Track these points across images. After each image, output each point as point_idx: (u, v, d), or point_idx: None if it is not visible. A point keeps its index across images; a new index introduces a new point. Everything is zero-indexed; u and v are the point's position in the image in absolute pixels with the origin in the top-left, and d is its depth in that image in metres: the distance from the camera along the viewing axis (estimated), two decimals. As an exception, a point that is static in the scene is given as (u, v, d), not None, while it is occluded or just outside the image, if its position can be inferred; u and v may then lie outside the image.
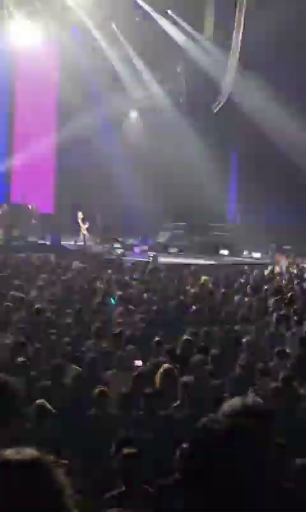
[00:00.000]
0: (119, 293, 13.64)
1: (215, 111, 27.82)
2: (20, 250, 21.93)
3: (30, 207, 27.06)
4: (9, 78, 29.34)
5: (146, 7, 26.69)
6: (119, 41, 28.16)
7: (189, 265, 19.74)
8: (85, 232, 26.05)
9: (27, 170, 28.67)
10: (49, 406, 6.59)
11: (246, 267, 20.45)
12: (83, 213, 25.96)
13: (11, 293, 12.78)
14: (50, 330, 10.29)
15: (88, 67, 28.10)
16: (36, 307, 11.76)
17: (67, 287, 14.30)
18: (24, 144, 28.90)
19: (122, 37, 28.08)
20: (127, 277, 16.43)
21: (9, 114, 29.84)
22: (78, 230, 26.12)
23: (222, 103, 27.36)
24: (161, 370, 7.80)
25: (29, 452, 1.63)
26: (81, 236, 26.03)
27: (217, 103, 27.58)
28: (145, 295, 13.88)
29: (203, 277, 16.50)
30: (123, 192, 28.16)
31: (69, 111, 28.23)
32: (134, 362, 8.99)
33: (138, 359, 9.19)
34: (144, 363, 9.00)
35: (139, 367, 8.78)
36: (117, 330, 10.22)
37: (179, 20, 27.48)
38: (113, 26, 27.62)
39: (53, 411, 6.64)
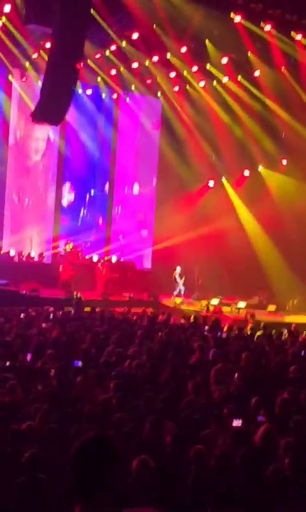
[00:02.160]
0: (215, 350, 13.45)
1: None
2: (117, 305, 22.14)
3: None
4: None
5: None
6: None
7: (288, 323, 19.37)
8: (182, 286, 26.13)
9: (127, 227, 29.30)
10: (151, 462, 6.43)
11: None
12: (181, 268, 26.15)
13: (108, 348, 12.84)
14: (146, 386, 10.22)
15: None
16: (133, 362, 11.74)
17: (164, 343, 14.23)
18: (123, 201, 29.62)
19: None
20: (224, 335, 16.23)
21: (110, 175, 30.62)
22: (175, 285, 26.24)
23: None
24: (261, 430, 7.57)
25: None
26: (178, 291, 26.11)
27: None
28: (244, 353, 13.61)
29: (302, 336, 16.21)
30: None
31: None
32: (232, 421, 8.77)
33: (236, 418, 8.96)
34: (242, 422, 8.76)
35: (237, 426, 8.55)
36: (213, 388, 10.03)
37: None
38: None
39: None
